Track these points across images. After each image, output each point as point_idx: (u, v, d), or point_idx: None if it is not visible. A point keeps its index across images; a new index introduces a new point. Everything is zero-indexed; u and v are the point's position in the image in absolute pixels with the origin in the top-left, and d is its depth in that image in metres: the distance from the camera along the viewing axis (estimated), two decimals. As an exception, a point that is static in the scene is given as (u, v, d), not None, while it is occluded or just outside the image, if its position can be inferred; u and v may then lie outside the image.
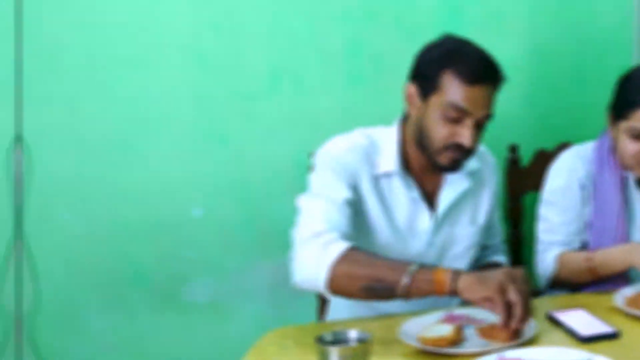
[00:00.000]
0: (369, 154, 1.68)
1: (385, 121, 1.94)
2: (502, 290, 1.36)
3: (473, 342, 1.41)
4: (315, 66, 2.15)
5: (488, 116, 1.60)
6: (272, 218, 2.16)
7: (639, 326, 1.55)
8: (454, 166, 1.62)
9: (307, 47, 2.15)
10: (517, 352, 1.36)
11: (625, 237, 1.88)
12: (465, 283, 1.37)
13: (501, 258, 1.89)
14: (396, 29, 2.18)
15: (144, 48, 2.06)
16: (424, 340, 1.35)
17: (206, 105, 2.09)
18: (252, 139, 2.12)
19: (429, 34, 1.97)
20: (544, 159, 2.14)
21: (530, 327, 1.44)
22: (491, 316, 1.47)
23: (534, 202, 2.06)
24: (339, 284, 1.47)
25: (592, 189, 1.92)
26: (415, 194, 1.66)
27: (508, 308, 1.36)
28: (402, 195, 1.66)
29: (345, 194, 1.60)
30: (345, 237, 1.54)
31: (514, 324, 1.36)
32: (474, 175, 1.77)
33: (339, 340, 1.25)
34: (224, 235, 2.15)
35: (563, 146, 2.12)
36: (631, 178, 1.91)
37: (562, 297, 1.86)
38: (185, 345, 2.15)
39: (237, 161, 2.12)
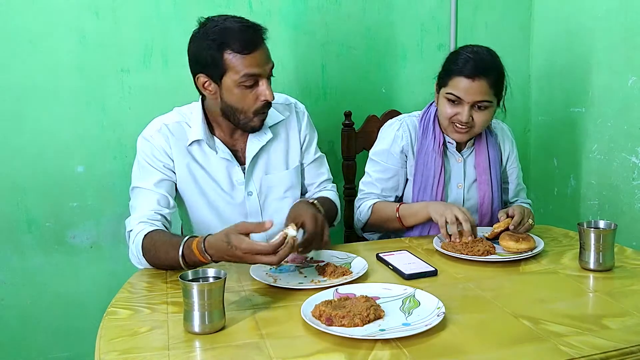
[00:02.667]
0: (177, 130, 2.35)
1: None
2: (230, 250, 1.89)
3: (313, 279, 2.00)
4: (181, 44, 2.74)
5: (272, 67, 2.27)
6: None
7: (453, 265, 2.15)
8: (261, 125, 2.34)
9: (173, 27, 3.01)
10: (350, 287, 1.88)
11: (442, 195, 2.62)
12: (207, 245, 1.94)
13: (330, 195, 2.62)
14: (249, 12, 3.11)
15: (35, 27, 2.84)
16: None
17: (88, 77, 2.93)
18: (127, 106, 3.01)
19: (276, 18, 3.01)
20: (374, 123, 3.12)
21: (363, 266, 2.06)
22: (329, 257, 2.18)
23: (365, 161, 2.93)
24: (156, 267, 2.15)
25: (413, 153, 2.65)
26: (224, 154, 2.36)
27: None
28: (213, 158, 2.37)
29: (155, 176, 2.29)
30: (161, 214, 2.24)
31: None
32: (276, 126, 2.49)
33: (199, 277, 1.70)
34: (103, 187, 3.05)
35: (390, 112, 3.12)
36: (453, 144, 2.65)
37: (389, 241, 2.54)
38: (71, 282, 3.06)
39: (114, 125, 3.00)
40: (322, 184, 2.68)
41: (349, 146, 3.17)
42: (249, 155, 2.42)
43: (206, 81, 2.28)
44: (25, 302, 3.05)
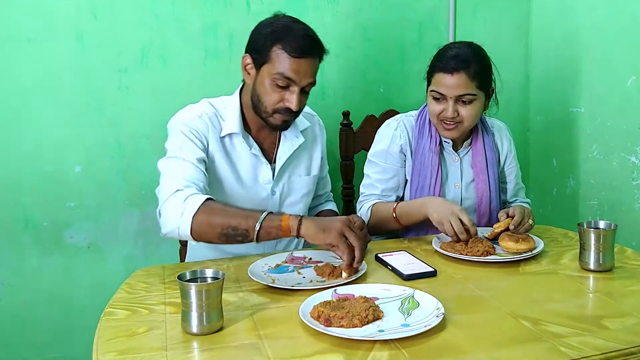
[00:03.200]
0: (213, 120, 2.35)
1: (235, 90, 2.87)
2: (343, 236, 1.97)
3: (312, 280, 1.99)
4: (178, 44, 3.05)
5: (311, 84, 2.30)
6: (140, 174, 3.05)
7: (453, 266, 2.15)
8: (284, 126, 2.36)
9: (171, 28, 3.02)
10: (349, 288, 1.88)
11: (439, 194, 2.60)
12: (308, 230, 2.00)
13: (332, 206, 2.77)
14: (247, 11, 3.12)
15: (33, 27, 2.84)
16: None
17: (86, 77, 2.92)
18: (125, 106, 3.00)
19: None
20: (372, 122, 3.13)
21: (362, 267, 2.04)
22: (327, 257, 2.17)
23: (364, 160, 2.91)
24: (200, 232, 2.06)
25: (411, 153, 2.63)
26: (255, 150, 2.39)
27: (351, 251, 1.97)
28: (245, 152, 2.39)
29: (197, 153, 2.25)
30: (202, 190, 2.14)
31: (355, 265, 1.98)
32: (305, 132, 2.53)
33: (196, 277, 1.70)
34: (100, 188, 3.03)
35: (388, 112, 3.14)
36: (449, 144, 2.64)
37: (388, 241, 2.52)
38: (68, 282, 3.06)
39: (111, 125, 2.99)
40: (327, 195, 2.83)
41: (347, 146, 3.19)
42: (282, 156, 2.49)
43: (249, 64, 2.35)
44: (22, 302, 3.04)
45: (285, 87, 2.28)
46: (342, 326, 1.65)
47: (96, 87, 3.01)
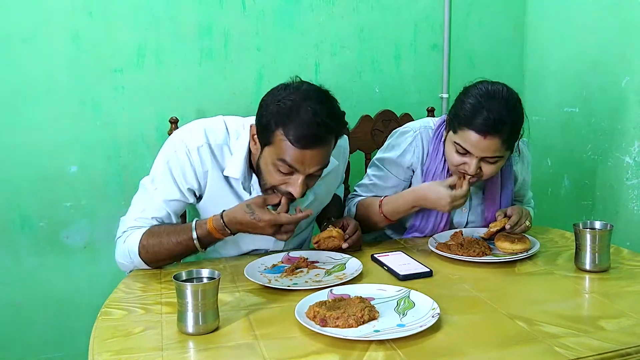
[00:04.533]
0: (217, 153, 2.22)
1: (230, 90, 2.97)
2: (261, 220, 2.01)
3: (307, 280, 2.00)
4: (174, 44, 3.05)
5: (319, 170, 2.06)
6: (136, 174, 2.92)
7: (448, 266, 2.15)
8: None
9: (166, 28, 3.02)
10: (344, 288, 1.88)
11: (447, 220, 2.53)
12: (227, 220, 2.05)
13: (338, 191, 2.69)
14: (242, 11, 3.11)
15: (29, 27, 2.83)
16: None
17: (81, 77, 2.92)
18: (120, 106, 3.01)
19: (270, 17, 3.02)
20: (368, 123, 3.12)
21: (358, 266, 2.06)
22: (323, 257, 2.18)
23: (359, 160, 3.02)
24: (154, 263, 2.15)
25: (421, 171, 2.53)
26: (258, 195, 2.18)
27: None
28: (247, 196, 2.25)
29: (170, 194, 2.21)
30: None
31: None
32: (328, 175, 2.32)
33: (192, 277, 1.71)
34: (96, 188, 3.04)
35: (383, 112, 3.13)
36: None
37: (384, 242, 2.53)
38: (65, 282, 3.05)
39: (107, 125, 2.99)
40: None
41: (342, 147, 3.12)
42: (296, 204, 2.25)
43: (255, 134, 2.14)
44: (18, 302, 3.04)
45: (288, 173, 2.06)
46: (337, 326, 1.65)
47: (92, 87, 3.00)
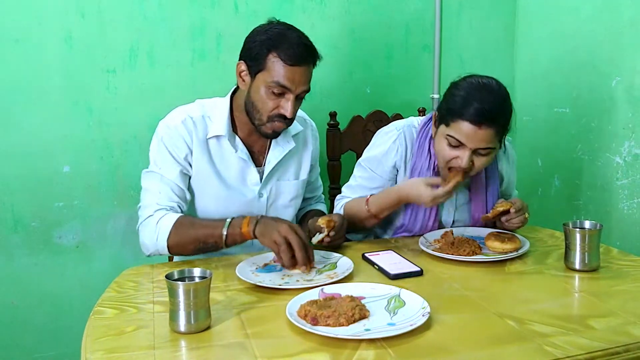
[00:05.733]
0: (199, 123, 2.37)
1: (222, 91, 2.77)
2: (284, 238, 2.04)
3: (298, 279, 2.01)
4: (166, 44, 3.06)
5: (305, 90, 2.29)
6: (128, 174, 3.06)
7: (439, 265, 2.15)
8: (275, 135, 2.36)
9: (159, 28, 3.03)
10: (335, 287, 1.89)
11: (435, 218, 2.53)
12: (259, 230, 2.11)
13: (320, 207, 2.75)
14: (235, 12, 3.13)
15: (21, 27, 2.84)
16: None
17: (74, 77, 2.93)
18: (113, 106, 3.02)
19: (263, 18, 3.01)
20: (359, 123, 3.17)
21: (349, 266, 2.08)
22: (316, 257, 2.15)
23: (351, 161, 2.99)
24: (176, 251, 2.25)
25: (405, 170, 2.55)
26: (242, 153, 2.39)
27: (290, 253, 2.04)
28: (231, 155, 2.40)
29: (176, 168, 2.34)
30: (179, 205, 2.31)
31: (300, 266, 2.05)
32: (297, 137, 2.53)
33: (184, 276, 1.72)
34: (89, 188, 3.05)
35: (375, 113, 3.18)
36: None
37: (375, 241, 2.54)
38: (57, 281, 3.06)
39: (100, 126, 3.01)
40: (317, 197, 2.82)
41: (334, 146, 3.20)
42: (272, 160, 2.50)
43: (244, 70, 2.34)
44: (11, 302, 3.04)
45: (281, 95, 2.28)
46: (328, 325, 1.65)
47: (84, 88, 3.01)
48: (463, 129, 2.25)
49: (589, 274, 2.08)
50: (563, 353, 1.52)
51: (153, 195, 2.33)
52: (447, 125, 2.31)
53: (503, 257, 2.21)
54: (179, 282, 1.65)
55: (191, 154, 2.38)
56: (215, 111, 2.43)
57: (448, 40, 3.55)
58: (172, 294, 1.65)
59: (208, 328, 1.68)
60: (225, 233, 2.17)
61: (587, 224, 2.14)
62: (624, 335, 1.62)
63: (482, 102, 2.22)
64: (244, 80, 2.35)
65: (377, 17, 3.44)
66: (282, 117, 2.31)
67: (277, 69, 2.24)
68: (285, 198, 2.57)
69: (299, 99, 2.33)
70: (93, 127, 3.05)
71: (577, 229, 2.09)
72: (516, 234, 2.35)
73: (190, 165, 2.40)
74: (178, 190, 2.35)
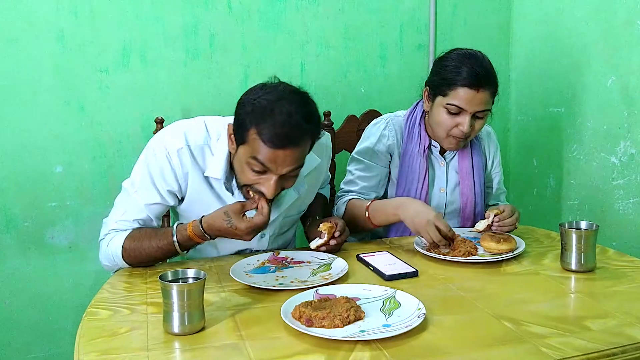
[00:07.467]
0: (198, 155, 2.21)
1: (215, 91, 2.96)
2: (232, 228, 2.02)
3: (293, 280, 2.01)
4: (159, 44, 3.06)
5: (293, 170, 2.05)
6: (121, 174, 2.99)
7: (434, 266, 2.15)
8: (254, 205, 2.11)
9: (152, 27, 3.03)
10: (330, 288, 1.89)
11: (425, 199, 2.59)
12: (206, 227, 2.07)
13: (324, 191, 2.72)
14: (228, 11, 3.13)
15: (14, 27, 2.84)
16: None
17: (66, 77, 2.93)
18: (106, 106, 3.02)
19: (255, 17, 3.03)
20: (354, 123, 3.13)
21: (344, 267, 2.08)
22: (310, 257, 2.20)
23: (345, 160, 2.92)
24: (139, 266, 2.19)
25: (398, 155, 2.62)
26: (239, 197, 2.22)
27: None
28: (229, 197, 2.25)
29: (150, 198, 2.22)
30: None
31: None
32: (309, 175, 2.37)
33: (178, 278, 1.71)
34: (81, 188, 3.05)
35: (369, 112, 3.13)
36: (437, 148, 2.62)
37: (370, 242, 2.54)
38: (50, 282, 3.05)
39: (93, 125, 3.01)
40: (324, 185, 2.78)
41: (328, 147, 3.12)
42: (275, 210, 2.31)
43: (232, 134, 2.11)
44: (3, 302, 3.03)
45: (262, 172, 2.05)
46: (323, 326, 1.64)
47: (77, 87, 3.00)
48: (462, 94, 2.41)
49: (585, 274, 2.08)
50: (559, 354, 1.52)
51: (117, 213, 2.26)
52: (445, 95, 2.46)
53: (499, 257, 2.21)
54: (173, 284, 1.64)
55: (180, 188, 2.25)
56: (217, 147, 2.24)
57: (443, 40, 3.55)
58: (166, 295, 1.64)
59: (202, 329, 1.68)
60: (176, 241, 2.14)
61: (583, 224, 2.14)
62: (620, 336, 1.62)
63: (475, 68, 2.40)
64: (231, 143, 2.14)
65: (371, 16, 3.44)
66: (262, 193, 2.08)
67: (257, 147, 2.00)
68: (286, 226, 2.53)
69: (289, 177, 2.13)
70: (85, 127, 3.04)
71: (573, 230, 2.09)
72: (512, 235, 2.35)
73: (178, 198, 2.29)
74: (145, 217, 2.24)
